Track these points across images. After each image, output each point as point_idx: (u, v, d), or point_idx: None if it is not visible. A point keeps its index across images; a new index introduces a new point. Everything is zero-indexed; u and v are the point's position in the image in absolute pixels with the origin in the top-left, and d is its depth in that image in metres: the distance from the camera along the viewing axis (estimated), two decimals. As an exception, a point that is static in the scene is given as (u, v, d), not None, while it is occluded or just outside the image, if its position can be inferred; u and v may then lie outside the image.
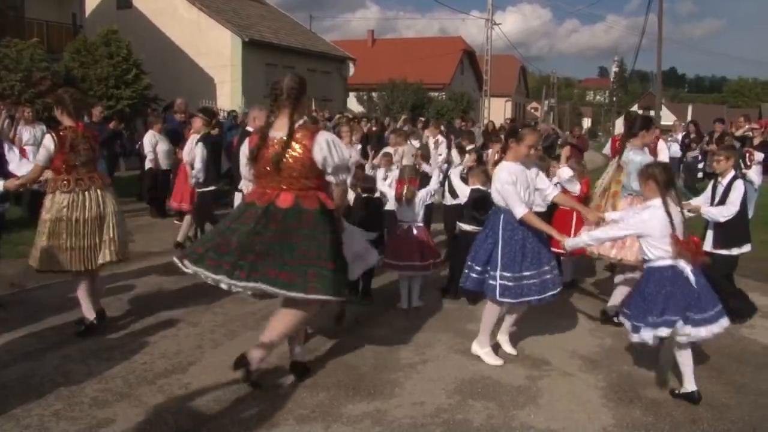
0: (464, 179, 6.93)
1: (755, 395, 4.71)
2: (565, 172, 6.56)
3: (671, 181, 4.56)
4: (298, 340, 4.85)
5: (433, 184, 6.97)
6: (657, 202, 4.49)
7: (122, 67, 18.71)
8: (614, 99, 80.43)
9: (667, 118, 37.01)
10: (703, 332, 4.35)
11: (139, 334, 5.59)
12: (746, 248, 6.35)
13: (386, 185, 6.83)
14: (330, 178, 4.32)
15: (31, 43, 16.83)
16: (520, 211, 4.82)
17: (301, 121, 4.30)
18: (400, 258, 6.44)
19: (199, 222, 8.72)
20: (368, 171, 8.52)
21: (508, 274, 4.87)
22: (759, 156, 11.47)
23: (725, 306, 4.52)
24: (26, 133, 10.64)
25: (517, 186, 4.87)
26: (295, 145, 4.20)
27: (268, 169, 4.25)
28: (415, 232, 6.51)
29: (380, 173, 7.24)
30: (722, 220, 6.12)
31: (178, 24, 25.09)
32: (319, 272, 4.12)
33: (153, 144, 11.16)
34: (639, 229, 4.52)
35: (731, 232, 6.21)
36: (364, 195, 6.78)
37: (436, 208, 8.85)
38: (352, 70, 32.69)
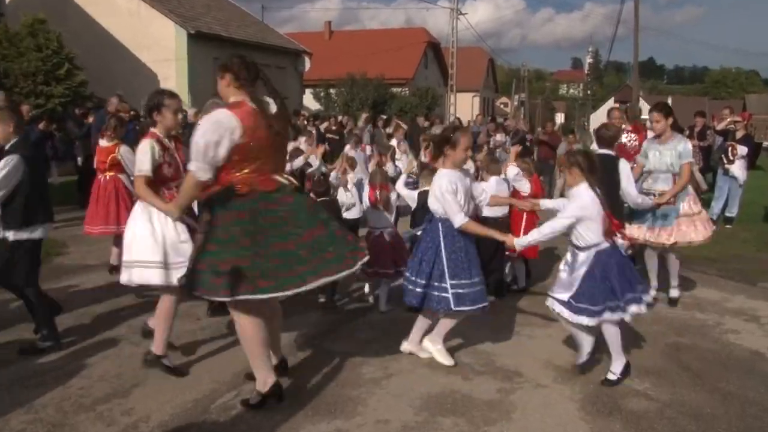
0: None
1: (742, 404, 4.77)
2: (510, 170, 6.78)
3: (594, 166, 4.98)
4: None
5: (399, 187, 7.04)
6: (583, 185, 4.93)
7: (52, 61, 18.28)
8: (589, 92, 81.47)
9: (645, 111, 37.56)
10: (636, 309, 4.92)
11: (74, 356, 5.48)
12: None
13: (402, 185, 6.92)
14: None
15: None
16: (459, 220, 5.03)
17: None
18: (374, 265, 6.53)
19: None
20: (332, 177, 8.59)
21: (463, 281, 5.06)
22: (742, 150, 11.72)
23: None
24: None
25: (458, 194, 5.06)
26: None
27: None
28: (387, 238, 6.68)
29: (402, 177, 7.29)
30: None
31: (115, 15, 24.69)
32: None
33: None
34: (578, 213, 4.88)
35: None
36: (319, 199, 6.84)
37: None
38: (308, 64, 32.55)
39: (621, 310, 4.86)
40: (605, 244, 4.92)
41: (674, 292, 7.07)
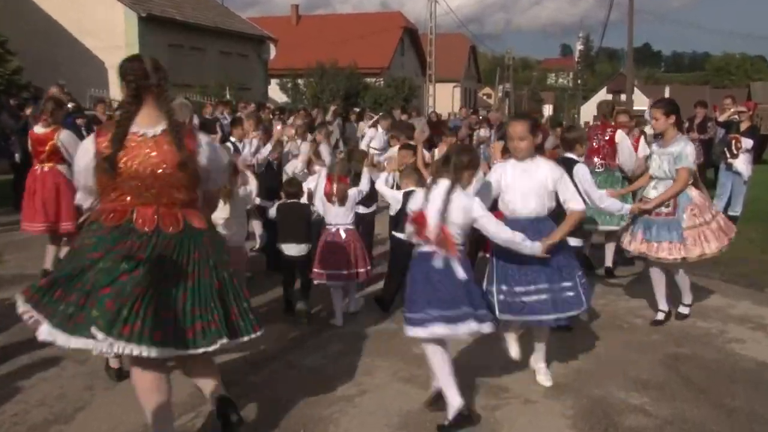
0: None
1: (748, 419, 4.79)
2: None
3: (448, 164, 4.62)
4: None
5: (364, 184, 7.02)
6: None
7: (-21, 46, 18.14)
8: (579, 82, 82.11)
9: (640, 102, 37.86)
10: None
11: (8, 378, 5.37)
12: None
13: (383, 184, 6.91)
14: (209, 186, 4.12)
15: None
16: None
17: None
18: (326, 266, 6.58)
19: None
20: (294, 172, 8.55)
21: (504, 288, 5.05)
22: (747, 143, 11.76)
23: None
24: None
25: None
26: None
27: (144, 176, 3.79)
28: (343, 236, 6.65)
29: (383, 175, 7.26)
30: None
31: (55, -5, 24.49)
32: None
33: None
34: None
35: None
36: (289, 201, 6.79)
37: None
38: (273, 52, 32.57)
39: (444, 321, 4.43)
40: (425, 248, 4.54)
41: (684, 309, 6.92)
